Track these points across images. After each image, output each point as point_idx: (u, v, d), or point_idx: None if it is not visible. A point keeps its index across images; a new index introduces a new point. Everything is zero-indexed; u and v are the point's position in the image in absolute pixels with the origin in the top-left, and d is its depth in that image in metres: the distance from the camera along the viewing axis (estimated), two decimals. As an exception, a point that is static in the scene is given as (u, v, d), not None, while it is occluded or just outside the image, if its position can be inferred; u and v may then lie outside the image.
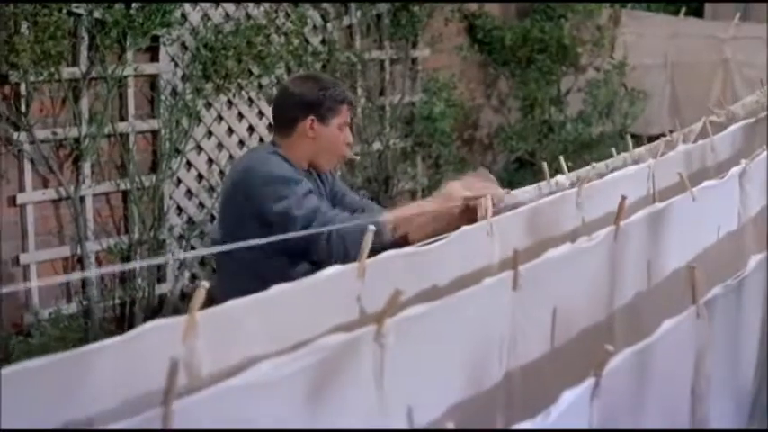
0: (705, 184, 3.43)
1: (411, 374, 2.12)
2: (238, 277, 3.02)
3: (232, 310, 2.20)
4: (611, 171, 3.76)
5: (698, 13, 9.46)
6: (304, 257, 3.15)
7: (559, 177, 3.54)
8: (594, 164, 3.71)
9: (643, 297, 3.01)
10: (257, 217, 3.15)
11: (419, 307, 2.14)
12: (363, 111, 6.74)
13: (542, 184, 3.51)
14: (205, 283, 2.07)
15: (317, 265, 2.70)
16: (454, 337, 2.27)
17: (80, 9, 5.01)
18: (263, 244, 2.78)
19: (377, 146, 6.83)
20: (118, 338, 2.03)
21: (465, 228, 2.87)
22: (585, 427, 2.00)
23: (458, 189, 3.18)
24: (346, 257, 2.89)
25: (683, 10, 8.82)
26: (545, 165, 3.60)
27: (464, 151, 7.62)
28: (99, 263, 5.27)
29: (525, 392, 2.47)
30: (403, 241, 3.03)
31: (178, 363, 1.60)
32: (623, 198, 2.87)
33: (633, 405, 2.20)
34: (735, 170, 3.56)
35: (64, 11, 4.89)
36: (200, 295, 2.05)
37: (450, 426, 1.66)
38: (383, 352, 2.03)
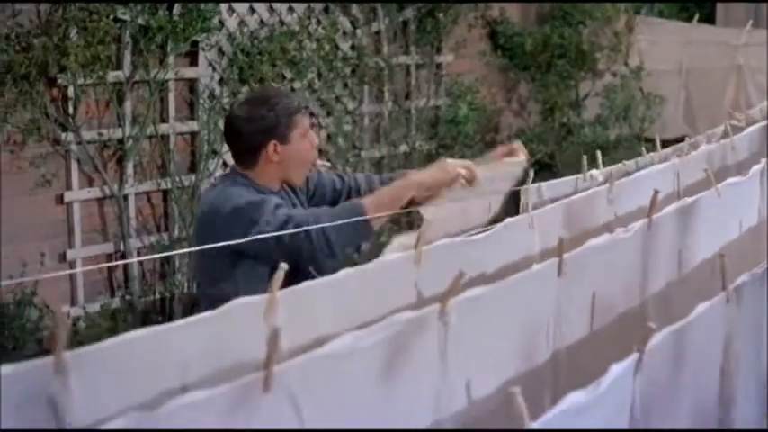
0: (729, 180, 3.64)
1: (470, 351, 2.32)
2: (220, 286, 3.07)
3: (306, 291, 2.41)
4: (639, 169, 3.96)
5: (710, 18, 9.64)
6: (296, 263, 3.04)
7: (594, 171, 3.74)
8: (625, 161, 3.90)
9: (674, 285, 3.22)
10: (230, 255, 3.04)
11: (477, 289, 2.35)
12: (390, 114, 6.95)
13: (579, 177, 3.71)
14: (284, 265, 2.29)
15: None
16: (507, 317, 2.48)
17: (125, 15, 5.23)
18: (252, 257, 2.97)
19: (403, 148, 7.05)
20: (207, 314, 2.25)
21: (509, 219, 3.09)
22: (629, 400, 2.19)
23: (451, 163, 3.26)
24: (330, 246, 2.96)
25: (696, 17, 8.99)
26: (584, 159, 3.78)
27: (486, 153, 7.80)
28: (141, 261, 5.47)
29: (569, 370, 2.68)
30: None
31: (280, 330, 1.80)
32: (656, 192, 3.07)
33: (669, 381, 2.40)
34: (756, 168, 3.77)
35: (111, 17, 5.10)
36: (279, 277, 2.27)
37: (517, 390, 1.85)
38: (447, 329, 2.24)
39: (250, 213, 3.03)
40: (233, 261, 3.07)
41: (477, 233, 3.04)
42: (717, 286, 2.74)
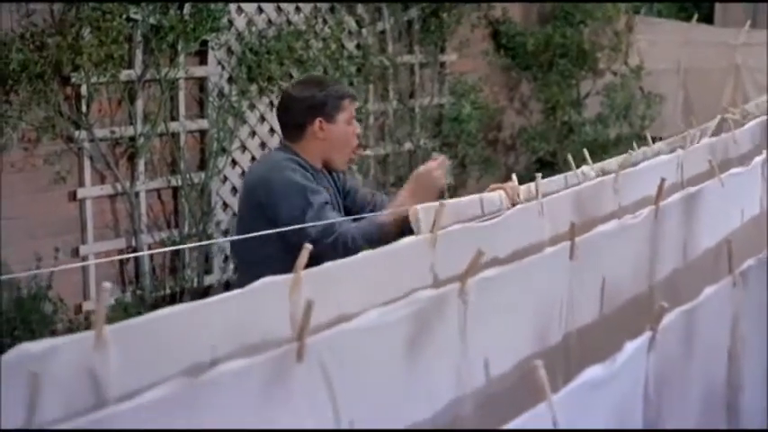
0: (732, 171, 3.74)
1: (488, 328, 2.42)
2: (256, 267, 3.11)
3: (329, 271, 2.50)
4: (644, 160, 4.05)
5: (708, 18, 9.74)
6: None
7: (584, 168, 3.83)
8: (632, 151, 3.99)
9: (679, 272, 3.32)
10: (272, 222, 3.23)
11: (494, 269, 2.45)
12: (395, 113, 7.06)
13: (569, 174, 3.80)
14: (308, 246, 2.38)
15: None
16: (523, 297, 2.58)
17: (137, 15, 5.32)
18: (276, 242, 3.11)
19: (408, 146, 7.14)
20: (234, 292, 2.34)
21: (520, 206, 3.19)
22: (643, 376, 2.28)
23: (430, 166, 3.47)
24: (347, 253, 2.99)
25: (695, 17, 9.09)
26: (569, 156, 3.87)
27: (488, 151, 7.91)
28: (151, 255, 5.56)
29: (580, 351, 2.77)
30: None
31: (313, 303, 1.90)
32: (663, 180, 3.17)
33: (680, 360, 2.49)
34: (758, 159, 3.87)
35: (123, 16, 5.19)
36: (304, 255, 2.36)
37: (540, 364, 1.94)
38: (466, 307, 2.33)
39: (298, 196, 3.28)
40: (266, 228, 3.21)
41: (488, 219, 3.14)
42: (720, 273, 2.83)
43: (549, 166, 8.00)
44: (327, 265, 2.52)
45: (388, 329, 2.13)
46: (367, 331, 2.08)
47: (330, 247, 3.14)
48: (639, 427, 2.28)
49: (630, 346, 2.19)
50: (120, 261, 5.55)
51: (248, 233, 3.22)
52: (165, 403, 1.70)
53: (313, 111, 3.45)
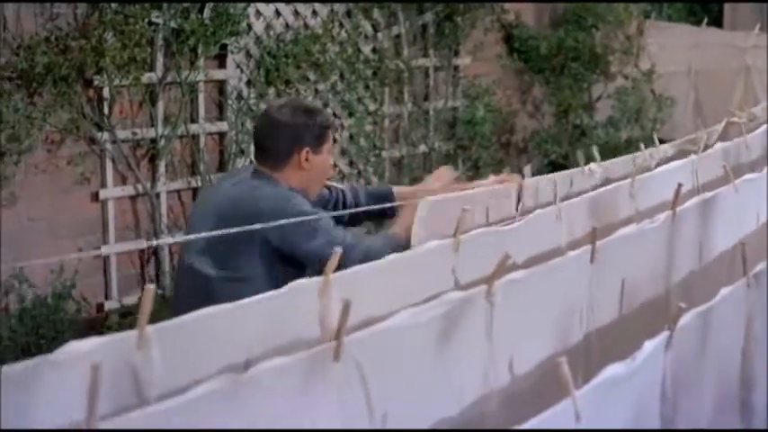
0: (746, 176, 3.82)
1: (513, 329, 2.50)
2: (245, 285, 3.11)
3: (356, 275, 2.59)
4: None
5: (717, 21, 9.81)
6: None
7: (592, 165, 3.91)
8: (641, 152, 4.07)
9: (695, 274, 3.40)
10: (275, 252, 3.18)
11: (519, 272, 2.53)
12: (410, 115, 7.15)
13: (576, 170, 3.88)
14: (338, 249, 2.47)
15: None
16: (545, 300, 2.66)
17: (159, 19, 5.41)
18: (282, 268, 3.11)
19: (422, 148, 7.23)
20: (267, 294, 2.42)
21: (538, 211, 3.27)
22: (660, 375, 2.36)
23: (443, 174, 3.56)
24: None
25: (705, 20, 9.16)
26: (579, 153, 3.95)
27: (501, 154, 8.00)
28: (172, 256, 5.64)
29: (600, 351, 2.85)
30: None
31: (350, 303, 1.98)
32: (679, 185, 3.25)
33: (696, 359, 2.57)
34: (772, 165, 3.95)
35: (145, 20, 5.29)
36: (334, 259, 2.45)
37: (563, 361, 2.02)
38: (492, 308, 2.42)
39: (313, 222, 3.16)
40: (266, 252, 3.19)
41: (507, 223, 3.22)
42: (735, 275, 2.91)
43: (561, 168, 8.05)
44: (355, 268, 2.60)
45: (419, 329, 2.22)
46: (399, 331, 2.16)
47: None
48: (657, 422, 2.36)
49: (649, 345, 2.27)
50: (141, 261, 5.64)
51: (234, 253, 3.18)
52: (211, 399, 1.79)
53: (301, 140, 3.30)
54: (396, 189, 3.79)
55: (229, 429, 1.83)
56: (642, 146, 4.33)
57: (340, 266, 2.98)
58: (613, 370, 2.14)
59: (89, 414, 1.64)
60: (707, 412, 2.58)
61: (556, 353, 2.66)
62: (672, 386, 2.39)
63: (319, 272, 2.78)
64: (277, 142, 3.32)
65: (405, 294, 2.64)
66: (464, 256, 2.90)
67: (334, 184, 3.75)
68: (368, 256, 3.00)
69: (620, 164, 4.09)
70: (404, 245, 3.15)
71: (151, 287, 2.03)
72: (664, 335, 2.35)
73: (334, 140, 6.51)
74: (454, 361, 2.30)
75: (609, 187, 3.68)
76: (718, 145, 4.50)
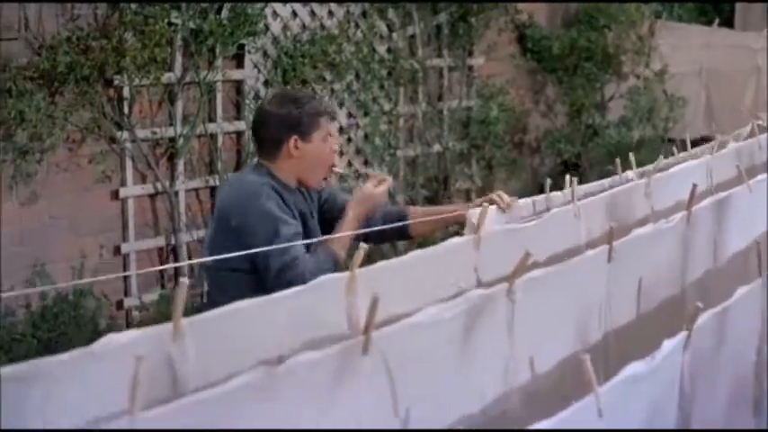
0: (759, 177, 3.87)
1: (533, 327, 2.56)
2: (224, 289, 3.23)
3: (380, 271, 2.64)
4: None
5: (728, 22, 9.86)
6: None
7: (629, 173, 3.95)
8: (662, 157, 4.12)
9: (711, 274, 3.46)
10: (245, 247, 3.17)
11: (539, 270, 2.60)
12: (424, 115, 7.21)
13: (615, 178, 3.92)
14: (365, 246, 2.53)
15: None
16: (565, 298, 2.72)
17: (178, 19, 5.48)
18: (245, 266, 3.15)
19: (436, 147, 7.30)
20: (295, 290, 2.48)
21: (556, 210, 3.33)
22: (678, 373, 2.42)
23: (370, 189, 3.43)
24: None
25: (717, 21, 9.21)
26: (617, 161, 3.99)
27: (514, 153, 8.06)
28: (190, 253, 5.71)
29: (618, 351, 2.91)
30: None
31: (378, 299, 2.05)
32: (695, 186, 3.31)
33: (712, 357, 2.63)
34: (785, 166, 4.00)
35: (165, 20, 5.36)
36: (359, 255, 2.50)
37: (587, 358, 2.08)
38: (513, 306, 2.48)
39: (269, 227, 3.22)
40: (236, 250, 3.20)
41: (527, 221, 3.28)
42: (750, 275, 2.97)
43: (573, 168, 8.14)
44: (380, 264, 2.66)
45: (443, 325, 2.28)
46: (424, 327, 2.23)
47: (288, 281, 3.01)
48: (674, 419, 2.42)
49: (668, 344, 2.33)
50: (160, 258, 5.72)
51: (219, 244, 3.25)
52: (247, 390, 1.86)
53: (287, 128, 3.37)
54: (412, 210, 3.74)
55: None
56: (675, 149, 4.36)
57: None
58: (634, 368, 2.20)
59: (131, 403, 1.71)
60: (722, 407, 2.64)
61: (575, 351, 2.72)
62: (690, 383, 2.45)
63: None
64: (267, 133, 3.42)
65: (428, 291, 2.70)
66: (485, 253, 2.95)
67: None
68: (317, 273, 2.99)
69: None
70: (339, 262, 3.25)
71: (186, 281, 2.09)
72: (682, 335, 2.41)
73: (349, 139, 6.63)
74: (476, 357, 2.37)
75: (625, 186, 3.73)
76: (732, 145, 4.55)
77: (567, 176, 3.57)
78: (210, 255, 3.26)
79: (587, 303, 2.83)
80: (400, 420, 2.19)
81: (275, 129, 3.38)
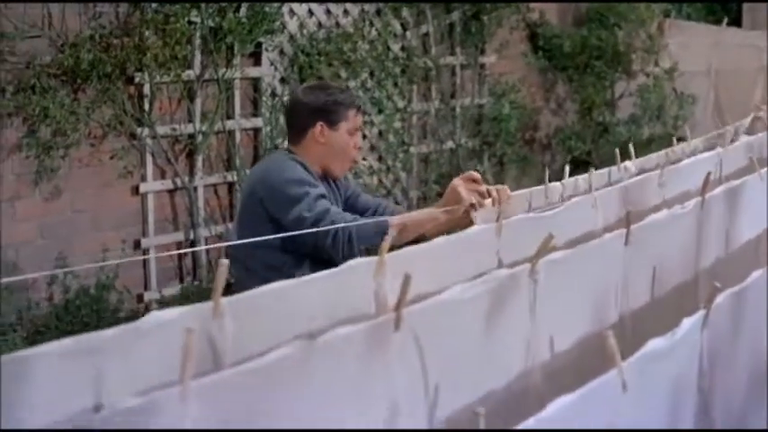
0: (769, 168, 3.95)
1: (554, 307, 2.65)
2: (254, 273, 3.25)
3: (407, 255, 2.74)
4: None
5: (736, 21, 9.93)
6: (313, 257, 3.31)
7: (627, 163, 4.05)
8: (674, 147, 4.21)
9: (722, 261, 3.54)
10: (273, 221, 3.29)
11: (560, 252, 2.68)
12: (437, 112, 7.32)
13: (613, 168, 4.01)
14: (393, 231, 2.63)
15: (318, 265, 2.88)
16: (584, 279, 2.81)
17: (197, 18, 5.58)
18: (276, 243, 3.18)
19: (449, 144, 7.40)
20: (324, 273, 2.57)
21: (575, 199, 3.42)
22: (697, 348, 2.51)
23: (463, 194, 3.32)
24: (351, 255, 3.04)
25: (725, 20, 9.28)
26: (617, 152, 4.08)
27: (526, 150, 8.15)
28: (208, 250, 5.81)
29: (633, 331, 3.00)
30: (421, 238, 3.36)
31: (410, 277, 2.14)
32: (709, 173, 3.39)
33: (729, 335, 2.71)
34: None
35: (185, 19, 5.46)
36: (388, 240, 2.60)
37: (610, 334, 2.17)
38: (536, 286, 2.57)
39: (295, 188, 3.29)
40: (273, 227, 3.27)
41: (546, 210, 3.37)
42: (760, 263, 3.05)
43: (584, 165, 8.21)
44: (406, 249, 2.76)
45: (470, 303, 2.37)
46: (452, 304, 2.31)
47: (325, 235, 3.18)
48: (694, 395, 2.51)
49: (687, 322, 2.42)
50: (180, 253, 5.81)
51: (248, 231, 3.23)
52: (286, 362, 1.95)
53: (315, 114, 3.47)
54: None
55: None
56: (675, 140, 4.45)
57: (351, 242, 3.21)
58: (655, 344, 2.28)
59: (182, 372, 1.80)
60: (739, 383, 2.73)
61: (593, 331, 2.81)
62: (708, 360, 2.53)
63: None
64: (296, 118, 3.53)
65: (452, 274, 2.78)
66: (507, 239, 3.04)
67: (378, 199, 3.80)
68: (349, 224, 3.20)
69: (654, 160, 4.21)
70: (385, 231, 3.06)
71: (225, 261, 2.18)
72: (700, 313, 2.49)
73: (364, 136, 6.72)
74: (500, 335, 2.45)
75: (639, 177, 3.82)
76: (743, 138, 4.64)
77: (566, 167, 3.65)
78: (240, 239, 3.27)
79: (605, 285, 2.91)
80: (429, 396, 2.28)
81: (304, 115, 3.49)
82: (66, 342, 2.00)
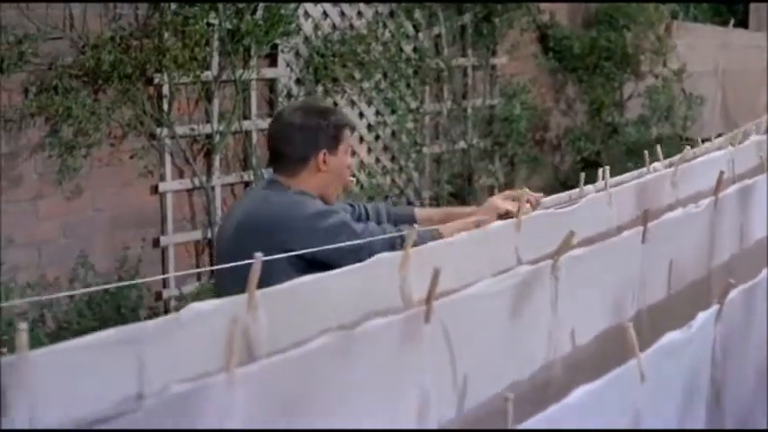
0: (781, 166, 4.04)
1: (574, 302, 2.74)
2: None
3: (431, 250, 2.82)
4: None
5: (743, 22, 10.01)
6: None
7: (656, 164, 4.13)
8: (689, 148, 4.29)
9: (735, 259, 3.63)
10: (308, 266, 2.92)
11: (580, 249, 2.77)
12: (449, 113, 7.41)
13: (642, 170, 4.09)
14: (416, 227, 2.71)
15: None
16: (603, 275, 2.89)
17: (215, 20, 5.68)
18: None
19: (461, 144, 7.49)
20: (351, 267, 2.66)
21: (591, 196, 3.50)
22: (711, 341, 2.60)
23: (501, 203, 3.37)
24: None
25: (732, 21, 9.36)
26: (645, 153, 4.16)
27: (536, 151, 8.25)
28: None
29: (650, 326, 3.08)
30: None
31: (440, 271, 2.23)
32: (722, 173, 3.48)
33: (741, 329, 2.80)
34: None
35: (204, 21, 5.55)
36: (412, 235, 2.68)
37: (630, 326, 2.26)
38: (557, 282, 2.66)
39: (332, 221, 3.08)
40: (299, 266, 2.95)
41: (562, 206, 3.46)
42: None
43: (594, 165, 8.29)
44: (430, 244, 2.84)
45: (495, 297, 2.46)
46: (479, 298, 2.40)
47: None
48: (707, 386, 2.60)
49: (702, 316, 2.51)
50: (197, 251, 5.91)
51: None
52: (326, 351, 2.03)
53: (318, 141, 3.18)
54: (418, 211, 3.68)
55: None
56: (688, 147, 4.52)
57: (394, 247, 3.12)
58: (672, 336, 2.37)
59: (227, 362, 1.88)
60: (750, 375, 2.82)
61: (610, 326, 2.90)
62: (721, 352, 2.62)
63: None
64: (293, 146, 3.19)
65: (474, 269, 2.87)
66: (525, 235, 3.13)
67: (360, 202, 3.69)
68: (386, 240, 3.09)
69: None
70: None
71: (260, 254, 2.27)
72: (714, 307, 2.58)
73: (377, 136, 6.82)
74: (524, 328, 2.54)
75: (653, 175, 3.90)
76: (753, 137, 4.72)
77: (582, 174, 3.73)
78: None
79: (623, 281, 3.00)
80: (458, 385, 2.37)
81: (304, 143, 3.18)
82: (108, 333, 2.08)
